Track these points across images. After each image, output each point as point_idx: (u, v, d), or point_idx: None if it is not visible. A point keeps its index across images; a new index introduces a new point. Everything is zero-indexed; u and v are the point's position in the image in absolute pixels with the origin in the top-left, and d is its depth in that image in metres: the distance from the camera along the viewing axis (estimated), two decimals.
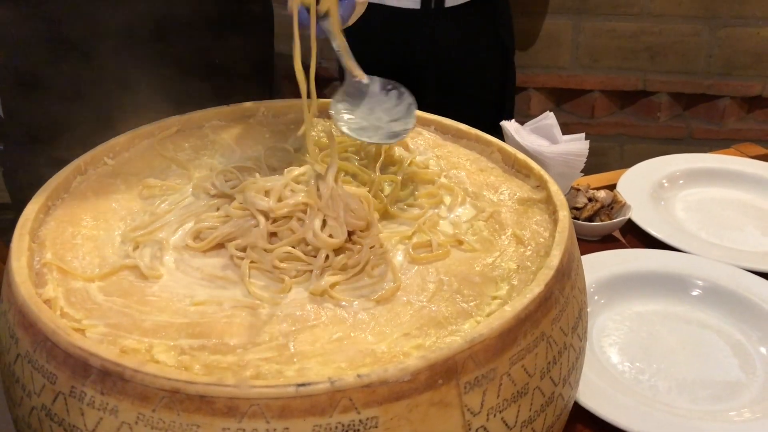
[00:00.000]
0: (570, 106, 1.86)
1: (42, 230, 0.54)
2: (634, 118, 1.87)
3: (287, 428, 0.39)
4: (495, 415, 0.44)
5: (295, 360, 0.43)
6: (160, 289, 0.49)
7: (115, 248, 0.53)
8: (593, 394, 0.66)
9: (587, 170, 0.93)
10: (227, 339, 0.45)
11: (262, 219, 0.53)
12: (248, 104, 0.71)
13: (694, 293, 0.82)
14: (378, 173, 0.62)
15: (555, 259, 0.49)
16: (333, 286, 0.50)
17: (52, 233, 0.53)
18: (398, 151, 0.67)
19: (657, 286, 0.83)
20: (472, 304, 0.49)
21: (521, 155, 0.64)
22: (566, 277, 0.50)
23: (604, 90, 1.82)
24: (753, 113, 1.82)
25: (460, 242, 0.55)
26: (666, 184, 1.05)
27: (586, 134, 1.78)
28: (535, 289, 0.46)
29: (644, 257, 0.86)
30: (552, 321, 0.47)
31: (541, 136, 0.90)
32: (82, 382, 0.41)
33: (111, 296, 0.48)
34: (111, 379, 0.40)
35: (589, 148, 0.90)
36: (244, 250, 0.53)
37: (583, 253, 0.76)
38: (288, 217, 0.53)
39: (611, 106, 1.85)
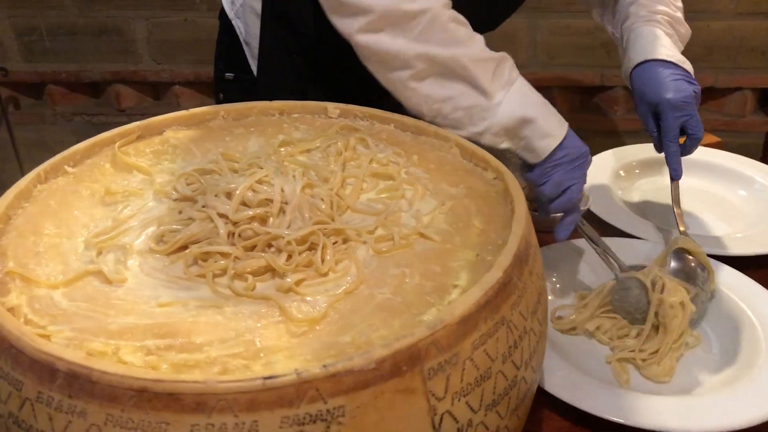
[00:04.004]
0: None
1: (3, 240, 0.53)
2: (593, 112, 1.90)
3: (256, 421, 0.39)
4: (459, 399, 0.45)
5: (261, 355, 0.44)
6: (124, 292, 0.50)
7: (78, 255, 0.53)
8: (557, 380, 0.68)
9: None
10: (194, 338, 0.45)
11: (221, 222, 0.53)
12: (207, 108, 0.71)
13: None
14: (341, 171, 0.63)
15: (512, 246, 0.51)
16: (298, 283, 0.51)
17: (14, 242, 0.53)
18: (360, 148, 0.68)
19: None
20: (433, 293, 0.50)
21: (479, 149, 0.65)
22: (524, 263, 0.51)
23: (563, 86, 1.85)
24: (706, 104, 1.87)
25: (421, 235, 0.56)
26: (623, 174, 1.07)
27: None
28: (494, 275, 0.47)
29: None
30: (511, 306, 0.48)
31: None
32: (48, 387, 0.41)
33: (76, 301, 0.48)
34: (78, 382, 0.40)
35: None
36: (207, 252, 0.53)
37: (543, 244, 0.78)
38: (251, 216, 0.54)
39: (571, 102, 1.88)
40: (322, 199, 0.57)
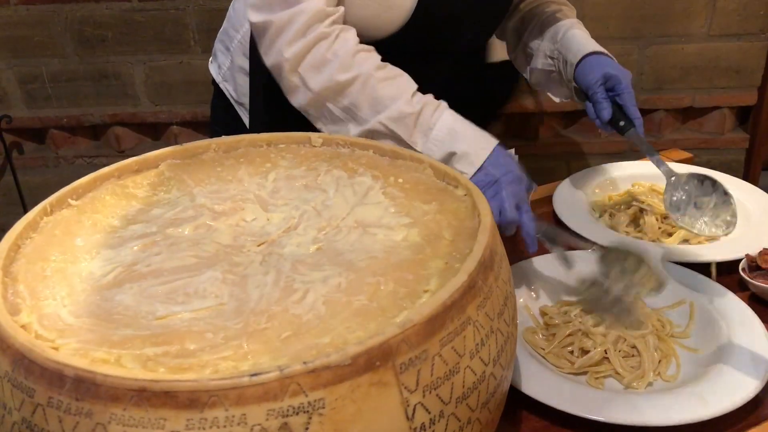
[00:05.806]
0: (516, 130, 1.96)
1: (13, 266, 0.59)
2: (578, 136, 1.96)
3: (244, 414, 0.44)
4: (430, 392, 0.49)
5: (249, 357, 0.49)
6: (124, 308, 0.54)
7: (82, 278, 0.58)
8: (534, 381, 0.72)
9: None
10: (187, 345, 0.50)
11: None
12: (200, 142, 0.77)
13: None
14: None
15: (477, 253, 0.56)
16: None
17: (24, 268, 0.58)
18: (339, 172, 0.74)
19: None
20: (406, 298, 0.55)
21: (449, 169, 0.71)
22: (489, 269, 0.56)
23: (548, 111, 1.91)
24: (687, 123, 1.93)
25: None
26: (597, 191, 1.13)
27: (534, 155, 1.87)
28: (459, 279, 0.52)
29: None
30: (477, 307, 0.53)
31: None
32: (58, 392, 0.46)
33: (80, 318, 0.53)
34: (84, 385, 0.45)
35: (538, 167, 0.99)
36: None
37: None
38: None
39: (555, 127, 1.95)
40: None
